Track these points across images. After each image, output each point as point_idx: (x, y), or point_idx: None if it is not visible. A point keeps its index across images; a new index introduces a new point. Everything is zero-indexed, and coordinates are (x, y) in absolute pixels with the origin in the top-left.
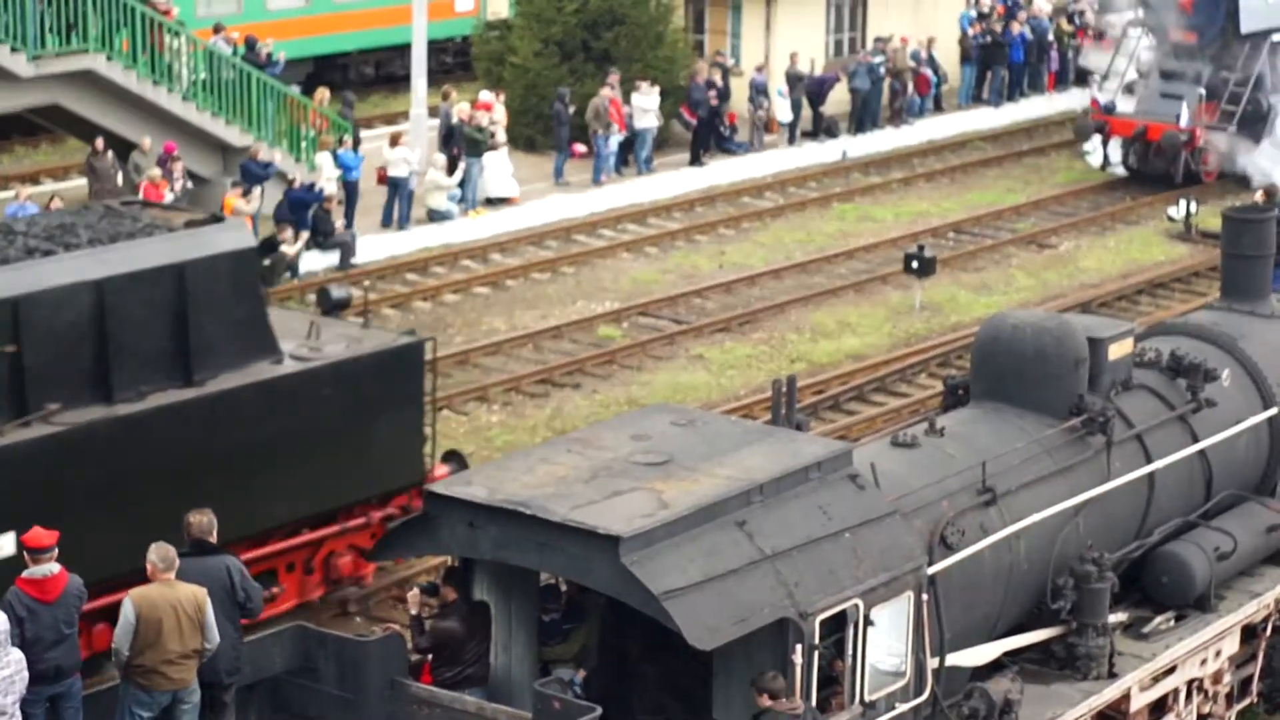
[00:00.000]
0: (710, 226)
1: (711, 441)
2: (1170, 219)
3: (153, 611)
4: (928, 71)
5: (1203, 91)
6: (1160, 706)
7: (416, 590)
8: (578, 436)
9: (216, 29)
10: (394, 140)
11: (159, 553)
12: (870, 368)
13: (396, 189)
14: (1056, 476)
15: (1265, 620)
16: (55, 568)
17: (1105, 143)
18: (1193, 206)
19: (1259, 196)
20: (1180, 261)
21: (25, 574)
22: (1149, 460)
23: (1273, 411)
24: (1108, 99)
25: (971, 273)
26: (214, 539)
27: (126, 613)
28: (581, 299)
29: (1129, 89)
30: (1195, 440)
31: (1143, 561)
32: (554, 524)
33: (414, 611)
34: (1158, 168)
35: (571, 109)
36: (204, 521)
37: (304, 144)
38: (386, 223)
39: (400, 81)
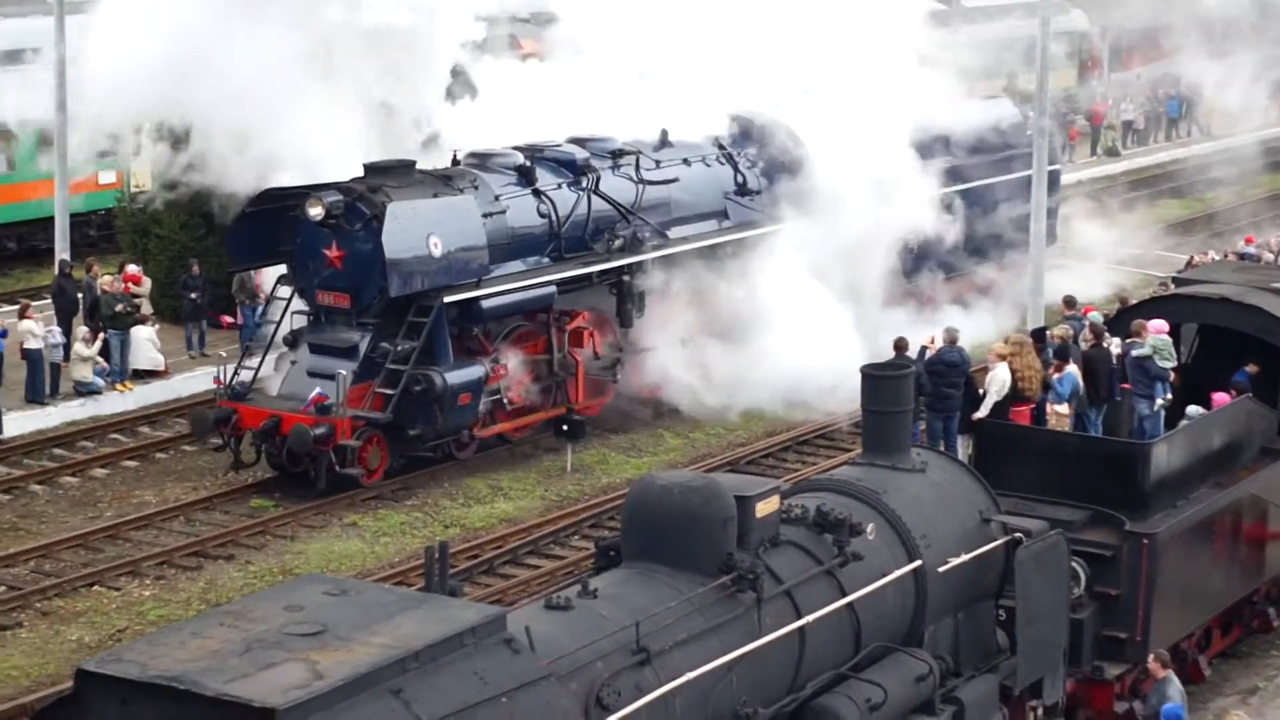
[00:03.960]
0: None
1: (365, 610)
2: None
3: None
4: None
5: (344, 371)
6: None
7: None
8: (230, 609)
9: None
10: (23, 312)
11: None
12: (523, 531)
13: (34, 363)
14: (709, 634)
15: None
16: None
17: (235, 439)
18: None
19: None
20: (824, 419)
21: None
22: (798, 615)
23: (917, 564)
24: (243, 379)
25: (621, 434)
26: None
27: None
28: (232, 470)
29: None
30: (843, 594)
31: (796, 715)
32: (208, 698)
33: None
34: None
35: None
36: None
37: None
38: (31, 398)
39: (44, 255)
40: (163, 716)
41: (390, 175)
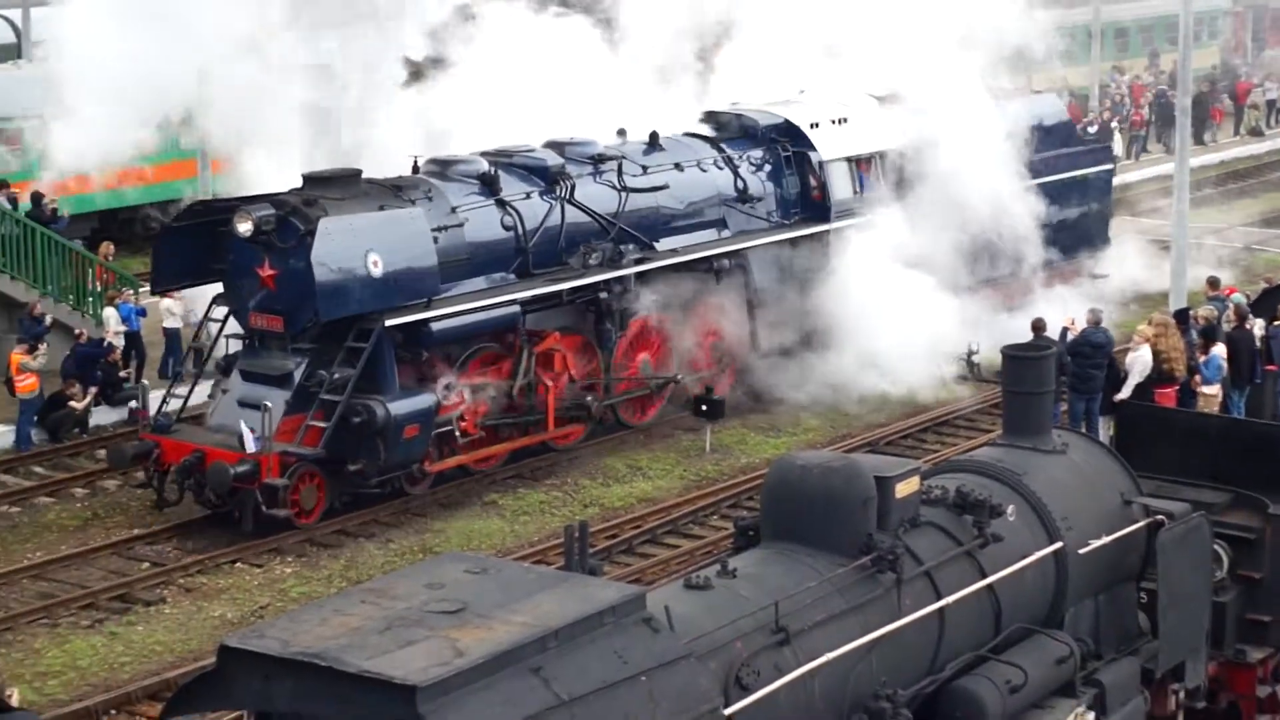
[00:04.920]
0: None
1: (506, 588)
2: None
3: None
4: None
5: (269, 403)
6: None
7: None
8: (371, 586)
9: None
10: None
11: None
12: (662, 510)
13: (173, 341)
14: (848, 615)
15: None
16: None
17: (159, 476)
18: (976, 347)
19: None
20: (964, 400)
21: None
22: (938, 596)
23: (1058, 545)
24: (170, 410)
25: (760, 414)
26: (11, 697)
27: None
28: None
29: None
30: (983, 575)
31: (936, 697)
32: (349, 675)
33: None
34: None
35: None
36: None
37: (90, 299)
38: (166, 375)
39: None
40: (304, 692)
41: (331, 186)
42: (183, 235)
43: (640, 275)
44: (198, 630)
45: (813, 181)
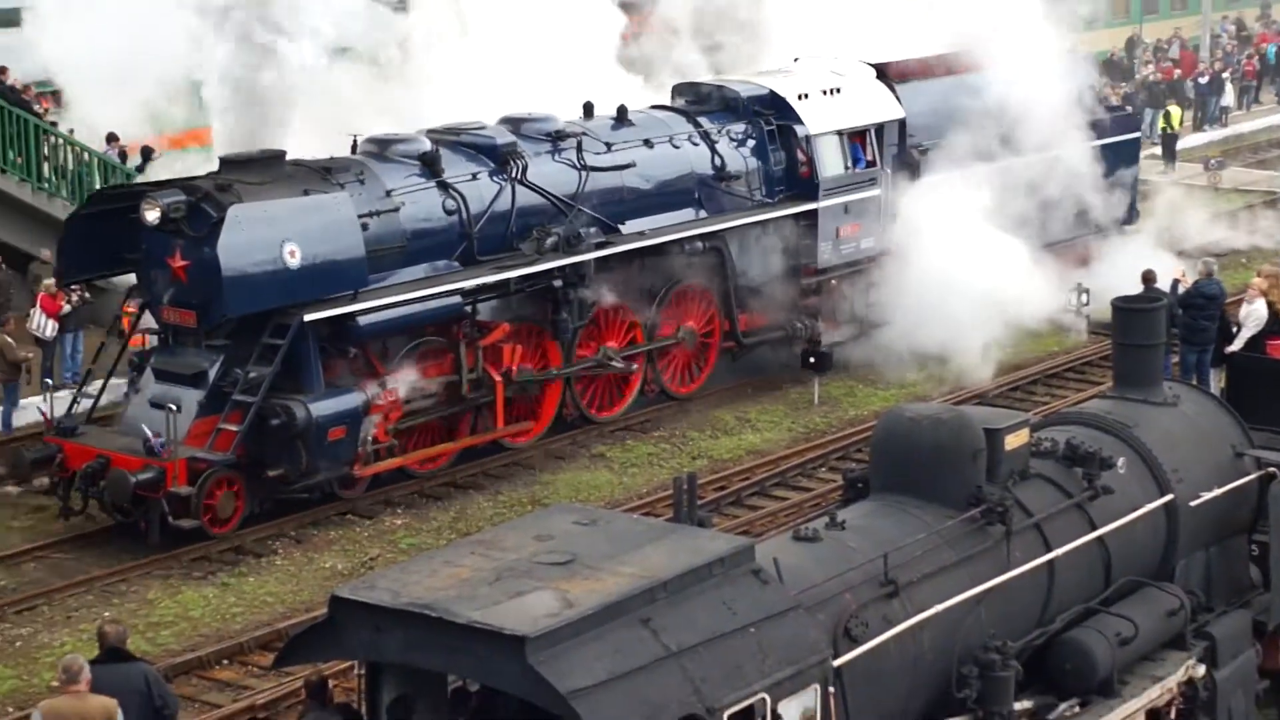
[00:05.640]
0: None
1: (615, 540)
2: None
3: None
4: None
5: (174, 406)
6: None
7: None
8: (481, 538)
9: (110, 139)
10: None
11: (65, 664)
12: (771, 463)
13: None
14: (958, 567)
15: (1169, 704)
16: None
17: (65, 485)
18: (1085, 298)
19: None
20: (1074, 352)
21: None
22: (1048, 548)
23: (1169, 498)
24: (79, 413)
25: (868, 367)
26: (127, 647)
27: None
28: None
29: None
30: (1093, 528)
31: (1045, 649)
32: (460, 626)
33: None
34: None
35: None
36: (118, 630)
37: None
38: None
39: None
40: (414, 642)
41: (251, 169)
42: (93, 223)
43: (602, 260)
44: (308, 581)
45: (800, 157)
